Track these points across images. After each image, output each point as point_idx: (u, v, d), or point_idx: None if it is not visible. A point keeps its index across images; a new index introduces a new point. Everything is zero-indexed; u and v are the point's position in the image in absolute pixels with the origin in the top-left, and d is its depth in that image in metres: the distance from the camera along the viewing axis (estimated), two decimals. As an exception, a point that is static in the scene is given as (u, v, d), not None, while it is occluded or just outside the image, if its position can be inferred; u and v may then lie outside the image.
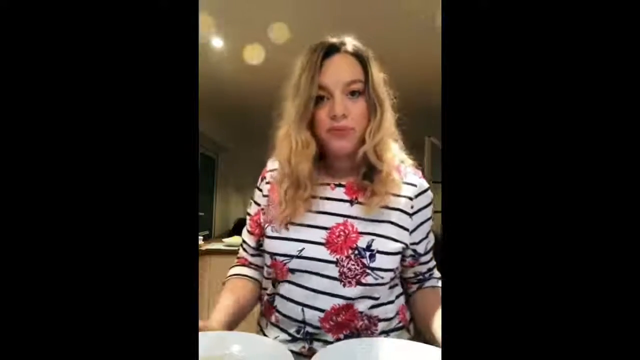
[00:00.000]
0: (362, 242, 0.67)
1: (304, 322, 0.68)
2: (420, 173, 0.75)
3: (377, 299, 0.69)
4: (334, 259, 0.66)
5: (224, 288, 0.77)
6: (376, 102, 0.68)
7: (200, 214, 4.55)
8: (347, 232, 0.68)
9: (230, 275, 0.79)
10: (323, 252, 0.67)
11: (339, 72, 0.66)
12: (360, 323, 0.68)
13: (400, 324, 0.73)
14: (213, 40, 2.86)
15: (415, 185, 0.72)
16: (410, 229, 0.70)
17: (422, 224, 0.72)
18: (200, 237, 2.84)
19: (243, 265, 0.82)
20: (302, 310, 0.68)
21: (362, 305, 0.67)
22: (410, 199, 0.71)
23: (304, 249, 0.68)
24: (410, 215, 0.70)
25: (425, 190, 0.73)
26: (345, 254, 0.66)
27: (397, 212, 0.69)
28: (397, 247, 0.68)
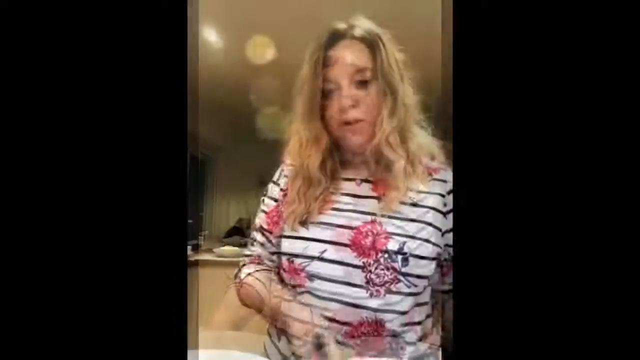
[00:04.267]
0: (393, 244, 0.62)
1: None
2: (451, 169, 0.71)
3: (405, 314, 0.63)
4: (361, 263, 0.62)
5: (252, 289, 0.71)
6: (387, 88, 0.65)
7: (189, 221, 4.53)
8: (375, 232, 0.63)
9: (249, 274, 0.73)
10: (348, 255, 0.63)
11: (344, 62, 0.65)
12: (389, 343, 0.63)
13: (429, 351, 0.67)
14: (210, 36, 2.87)
15: (446, 182, 0.68)
16: (444, 229, 0.66)
17: None
18: (189, 247, 2.83)
19: (258, 264, 0.76)
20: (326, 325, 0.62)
21: (391, 322, 0.62)
22: (442, 196, 0.67)
23: (325, 250, 0.64)
24: (444, 214, 0.66)
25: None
26: (374, 257, 0.62)
27: (431, 211, 0.65)
28: (433, 250, 0.64)
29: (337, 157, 0.71)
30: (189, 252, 2.68)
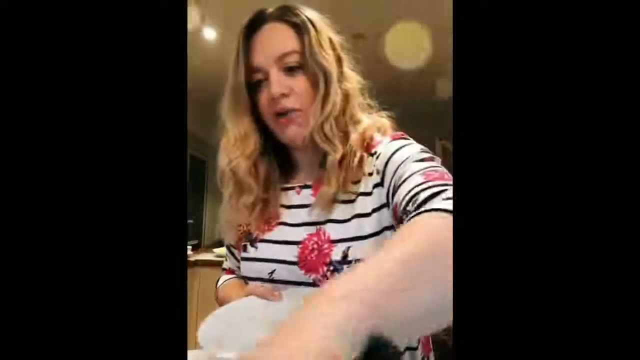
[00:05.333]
0: (337, 253, 0.56)
1: None
2: (395, 135, 0.62)
3: None
4: (311, 280, 0.57)
5: (222, 292, 0.71)
6: (318, 73, 0.58)
7: (189, 221, 4.53)
8: (319, 244, 0.58)
9: (223, 282, 0.75)
10: (297, 273, 0.58)
11: (269, 47, 0.59)
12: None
13: (423, 356, 0.62)
14: (205, 32, 2.87)
15: (377, 152, 0.59)
16: (384, 197, 0.56)
17: (393, 175, 0.54)
18: (189, 247, 2.83)
19: (232, 273, 0.77)
20: None
21: None
22: (376, 166, 0.59)
23: (274, 270, 0.60)
24: (381, 184, 0.57)
25: (387, 148, 0.58)
26: (321, 272, 0.56)
27: (370, 196, 0.58)
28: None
29: (274, 160, 0.66)
30: (189, 252, 2.69)
